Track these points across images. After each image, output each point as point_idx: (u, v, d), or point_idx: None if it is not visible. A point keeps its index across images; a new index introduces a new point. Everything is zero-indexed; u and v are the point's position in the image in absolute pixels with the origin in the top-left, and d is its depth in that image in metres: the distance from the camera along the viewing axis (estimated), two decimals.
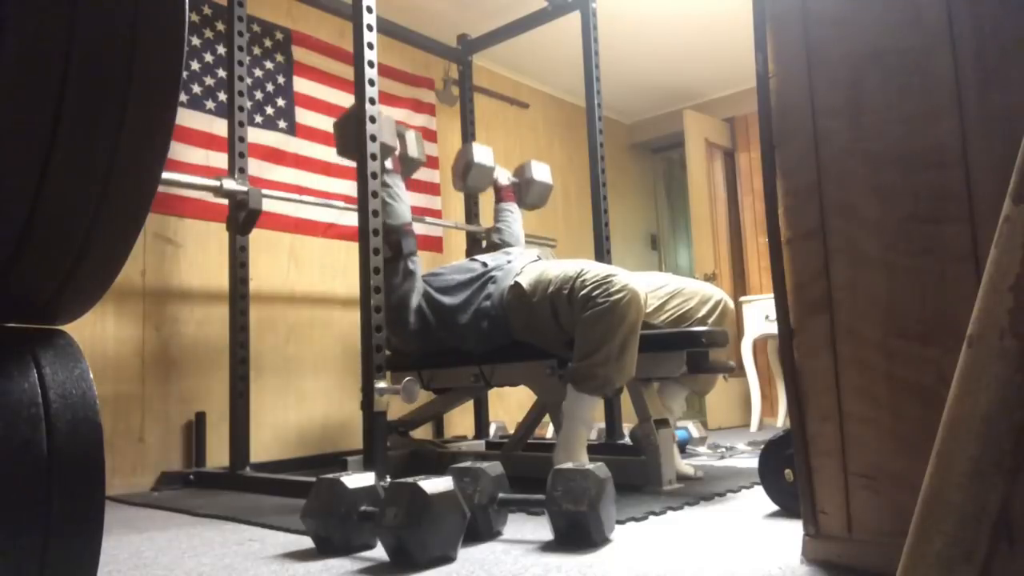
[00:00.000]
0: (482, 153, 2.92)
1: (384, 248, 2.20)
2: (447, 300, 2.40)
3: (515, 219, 3.04)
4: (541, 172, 3.10)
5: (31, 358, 0.74)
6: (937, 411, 0.72)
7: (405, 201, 2.48)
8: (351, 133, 2.33)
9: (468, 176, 2.89)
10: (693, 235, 4.77)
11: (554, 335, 2.18)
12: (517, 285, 2.25)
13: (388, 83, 3.67)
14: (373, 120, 2.22)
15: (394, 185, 2.45)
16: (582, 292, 2.06)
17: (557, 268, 2.20)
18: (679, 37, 4.20)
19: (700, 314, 2.35)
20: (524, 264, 2.38)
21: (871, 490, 1.14)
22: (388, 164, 2.48)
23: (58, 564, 0.70)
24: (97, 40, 0.66)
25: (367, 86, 2.21)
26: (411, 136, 2.70)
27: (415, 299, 2.44)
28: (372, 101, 2.22)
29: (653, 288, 2.40)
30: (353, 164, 2.35)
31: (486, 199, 4.18)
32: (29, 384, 0.71)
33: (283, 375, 3.14)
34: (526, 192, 3.07)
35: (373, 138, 2.21)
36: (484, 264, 2.46)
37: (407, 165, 2.71)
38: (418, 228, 3.67)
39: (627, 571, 1.26)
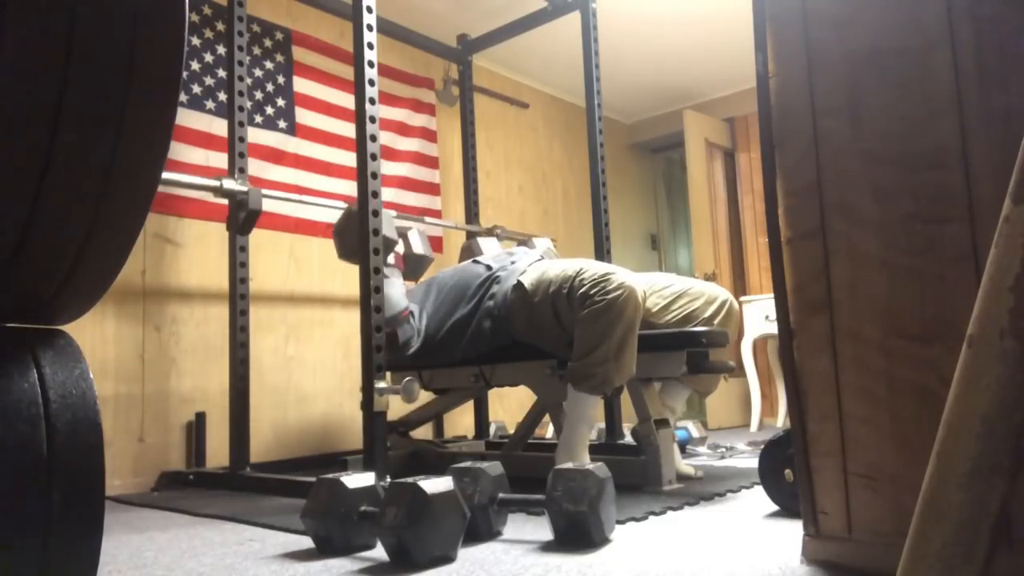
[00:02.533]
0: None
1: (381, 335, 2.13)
2: (447, 330, 2.38)
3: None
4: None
5: (31, 358, 0.74)
6: (937, 411, 0.72)
7: (400, 287, 2.42)
8: (350, 235, 2.30)
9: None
10: (693, 235, 4.77)
11: (556, 335, 2.18)
12: (520, 285, 2.25)
13: (388, 83, 3.67)
14: (373, 120, 2.22)
15: (391, 275, 2.39)
16: (580, 290, 2.06)
17: (558, 268, 2.21)
18: (679, 37, 4.19)
19: (706, 315, 2.35)
20: (528, 264, 2.38)
21: (871, 490, 1.14)
22: (390, 259, 2.44)
23: (58, 564, 0.70)
24: (97, 40, 0.66)
25: (367, 86, 2.21)
26: (414, 235, 2.63)
27: (415, 343, 2.43)
28: (372, 101, 2.22)
29: (659, 288, 2.40)
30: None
31: (485, 201, 4.20)
32: (29, 384, 0.71)
33: (283, 375, 3.14)
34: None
35: (373, 138, 2.21)
36: (488, 267, 2.45)
37: (412, 263, 2.65)
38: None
39: (627, 571, 1.26)
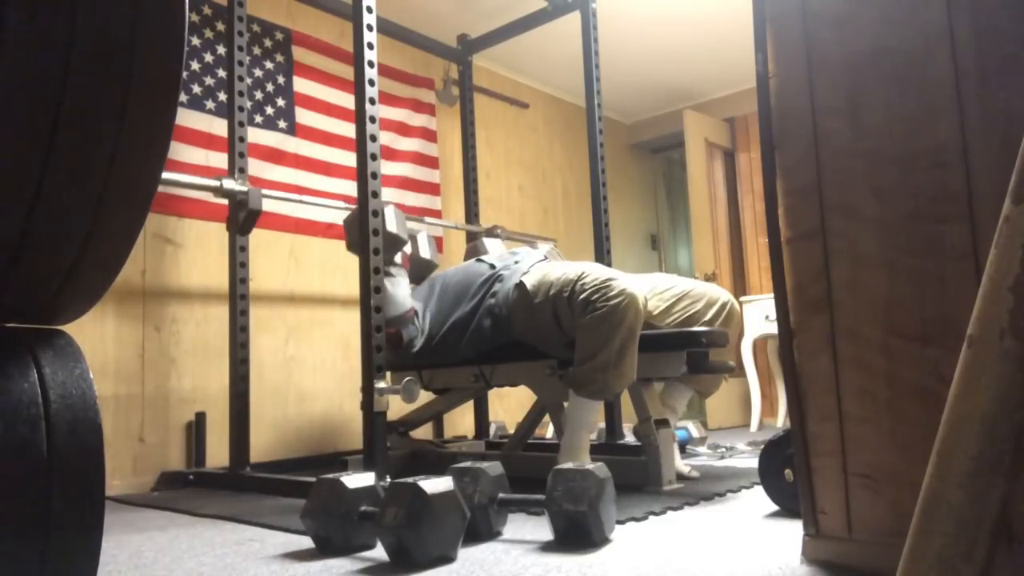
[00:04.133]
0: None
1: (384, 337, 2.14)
2: (448, 328, 2.39)
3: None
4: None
5: (31, 358, 0.74)
6: (937, 411, 0.72)
7: (406, 287, 2.42)
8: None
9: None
10: (693, 235, 4.77)
11: (555, 336, 2.18)
12: (522, 285, 2.25)
13: (388, 83, 3.67)
14: (373, 120, 2.22)
15: (397, 275, 2.40)
16: (582, 296, 2.06)
17: (559, 270, 2.20)
18: (679, 37, 4.19)
19: (707, 316, 2.35)
20: (531, 264, 2.38)
21: (871, 490, 1.14)
22: (397, 259, 2.44)
23: (58, 564, 0.70)
24: (97, 40, 0.66)
25: (367, 86, 2.21)
26: (423, 238, 2.63)
27: (418, 342, 2.43)
28: (372, 101, 2.22)
29: (660, 290, 2.40)
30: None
31: (485, 201, 4.20)
32: (29, 384, 0.71)
33: (283, 375, 3.14)
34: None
35: (373, 138, 2.21)
36: (492, 266, 2.45)
37: (417, 267, 2.65)
38: (418, 228, 3.68)
39: (627, 571, 1.26)
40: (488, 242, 3.04)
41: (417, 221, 3.39)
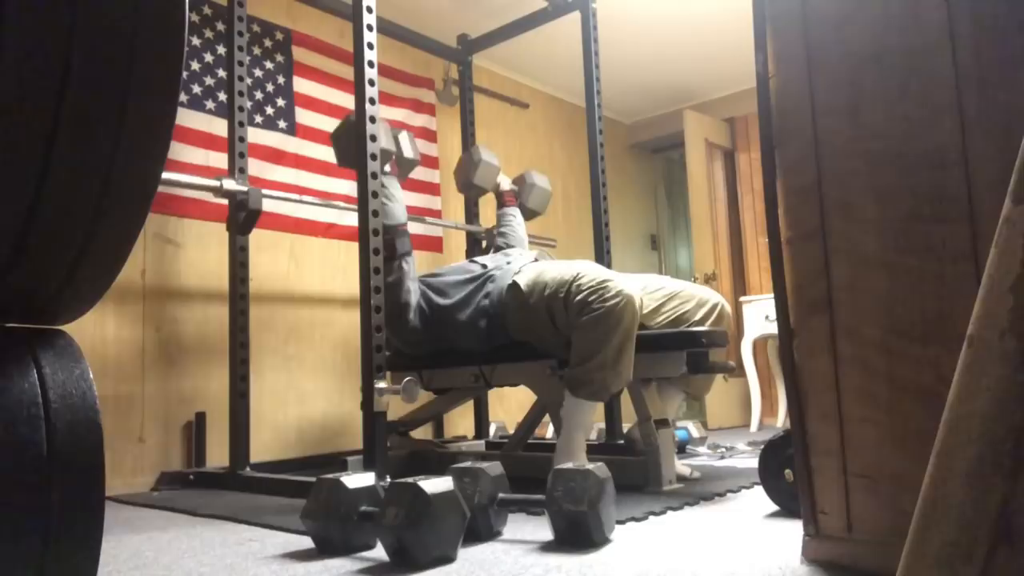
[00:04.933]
0: (488, 154, 2.99)
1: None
2: (445, 301, 2.41)
3: (518, 223, 3.06)
4: (541, 179, 3.16)
5: (31, 358, 0.74)
6: (937, 411, 0.72)
7: (401, 202, 2.47)
8: (349, 143, 2.32)
9: (475, 174, 2.93)
10: (693, 235, 4.77)
11: (551, 336, 2.18)
12: (515, 285, 2.25)
13: (388, 83, 3.67)
14: (373, 120, 2.22)
15: (390, 186, 2.44)
16: (578, 297, 2.06)
17: (554, 270, 2.20)
18: (679, 37, 4.20)
19: (697, 317, 2.34)
20: (523, 264, 2.38)
21: (871, 490, 1.14)
22: (387, 168, 2.48)
23: (58, 564, 0.70)
24: (97, 40, 0.66)
25: (367, 86, 2.21)
26: (404, 137, 2.70)
27: (413, 299, 2.44)
28: (372, 101, 2.22)
29: (651, 290, 2.40)
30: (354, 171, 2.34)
31: (485, 201, 4.18)
32: (29, 384, 0.71)
33: (283, 375, 3.14)
34: (527, 197, 3.09)
35: (373, 138, 2.21)
36: (483, 265, 2.46)
37: (403, 167, 2.71)
38: (418, 228, 3.68)
39: (627, 571, 1.26)
40: (482, 150, 2.99)
41: (417, 221, 3.39)
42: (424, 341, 2.48)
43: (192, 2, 2.98)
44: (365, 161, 2.19)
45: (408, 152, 2.68)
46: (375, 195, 2.18)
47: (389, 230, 2.34)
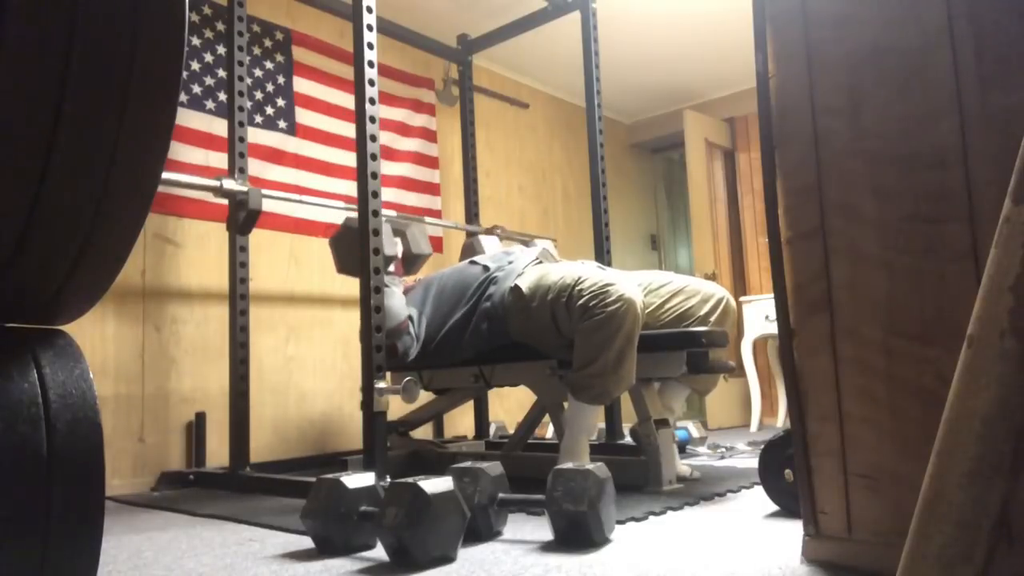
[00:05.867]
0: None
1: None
2: (443, 331, 2.36)
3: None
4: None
5: (31, 358, 0.74)
6: (937, 411, 0.72)
7: (400, 299, 2.39)
8: (348, 249, 2.28)
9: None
10: (693, 235, 4.77)
11: (553, 339, 2.18)
12: (517, 288, 2.24)
13: (388, 83, 3.67)
14: (373, 120, 2.22)
15: (391, 284, 2.36)
16: (580, 301, 2.06)
17: (556, 274, 2.19)
18: (679, 37, 4.19)
19: (701, 313, 2.34)
20: (525, 265, 2.37)
21: (871, 490, 1.14)
22: (391, 268, 2.41)
23: (58, 564, 0.70)
24: (97, 41, 0.66)
25: (367, 86, 2.21)
26: (414, 230, 2.59)
27: (413, 352, 2.40)
28: (372, 101, 2.22)
29: (655, 286, 2.39)
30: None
31: (486, 201, 4.19)
32: (29, 384, 0.71)
33: (283, 375, 3.14)
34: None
35: (373, 138, 2.21)
36: (485, 268, 2.44)
37: (412, 263, 2.63)
38: None
39: (627, 571, 1.26)
40: (484, 240, 3.02)
41: (417, 221, 3.39)
42: (425, 363, 2.47)
43: (192, 2, 2.98)
44: (365, 164, 2.19)
45: (418, 247, 2.55)
46: (375, 195, 2.18)
47: (389, 334, 2.26)
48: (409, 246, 2.58)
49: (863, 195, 1.16)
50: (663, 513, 1.78)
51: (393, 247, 2.32)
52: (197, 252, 2.91)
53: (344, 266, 2.43)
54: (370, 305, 2.13)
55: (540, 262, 2.46)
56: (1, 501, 0.66)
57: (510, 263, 2.42)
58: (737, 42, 4.19)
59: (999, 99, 1.04)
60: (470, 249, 3.01)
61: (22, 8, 0.62)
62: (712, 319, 2.34)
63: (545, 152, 4.71)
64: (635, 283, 2.18)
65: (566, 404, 2.18)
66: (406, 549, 1.33)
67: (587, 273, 2.13)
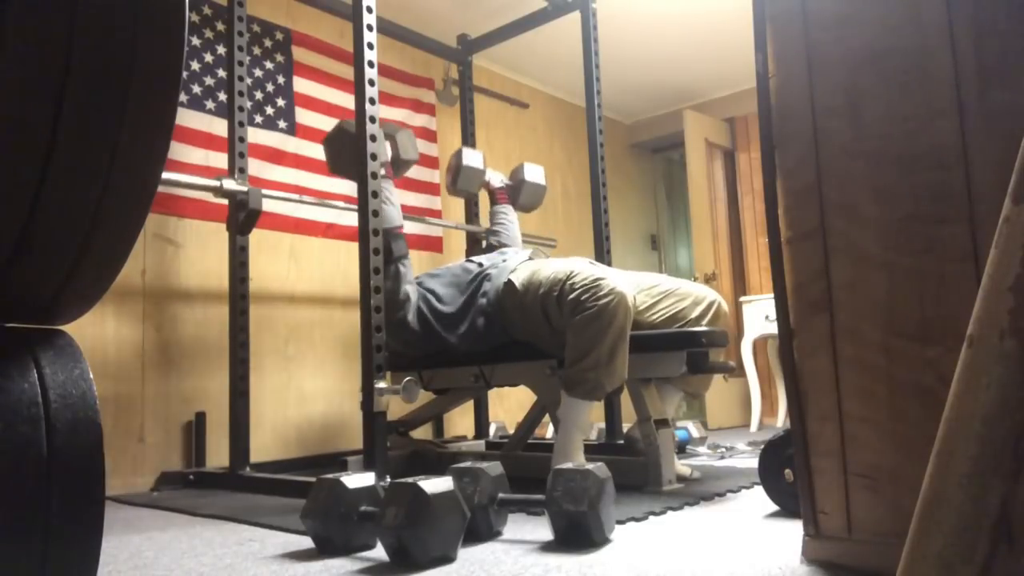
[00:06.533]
0: (471, 156, 2.94)
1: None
2: (445, 308, 2.41)
3: (511, 220, 3.06)
4: (534, 173, 3.11)
5: (31, 358, 0.74)
6: (937, 411, 0.72)
7: (396, 204, 2.47)
8: (341, 149, 2.31)
9: (458, 179, 2.90)
10: (693, 235, 4.77)
11: (547, 334, 2.19)
12: (510, 283, 2.26)
13: (388, 83, 3.67)
14: (373, 120, 2.22)
15: (385, 188, 2.43)
16: (571, 296, 2.06)
17: (549, 269, 2.21)
18: (679, 37, 4.19)
19: (693, 315, 2.33)
20: (518, 262, 2.39)
21: (871, 490, 1.14)
22: (382, 171, 2.46)
23: (58, 564, 0.70)
24: (97, 40, 0.66)
25: (367, 86, 2.21)
26: (403, 137, 2.67)
27: (412, 301, 2.44)
28: (372, 101, 2.22)
29: (647, 287, 2.39)
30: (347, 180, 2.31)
31: (486, 201, 4.18)
32: (29, 384, 0.71)
33: (283, 375, 3.14)
34: (519, 193, 3.07)
35: (373, 138, 2.21)
36: (480, 264, 2.47)
37: (399, 167, 2.69)
38: (418, 228, 3.68)
39: (627, 571, 1.26)
40: (467, 152, 2.95)
41: (417, 221, 3.39)
42: (422, 343, 2.48)
43: (192, 2, 2.98)
44: (365, 161, 2.19)
45: (405, 153, 2.66)
46: (375, 195, 2.18)
47: (385, 234, 2.33)
48: (398, 151, 2.61)
49: (863, 195, 1.16)
50: (663, 513, 1.78)
51: (383, 148, 2.39)
52: (197, 252, 2.91)
53: (335, 166, 2.47)
54: (370, 305, 2.13)
55: (532, 259, 2.48)
56: (1, 501, 0.66)
57: (504, 260, 2.44)
58: (737, 42, 4.19)
59: (999, 99, 1.04)
60: (455, 167, 2.94)
61: (22, 8, 0.62)
62: (704, 322, 2.33)
63: (545, 152, 4.70)
64: (626, 279, 2.18)
65: (559, 410, 2.18)
66: (406, 549, 1.33)
67: (579, 268, 2.14)
